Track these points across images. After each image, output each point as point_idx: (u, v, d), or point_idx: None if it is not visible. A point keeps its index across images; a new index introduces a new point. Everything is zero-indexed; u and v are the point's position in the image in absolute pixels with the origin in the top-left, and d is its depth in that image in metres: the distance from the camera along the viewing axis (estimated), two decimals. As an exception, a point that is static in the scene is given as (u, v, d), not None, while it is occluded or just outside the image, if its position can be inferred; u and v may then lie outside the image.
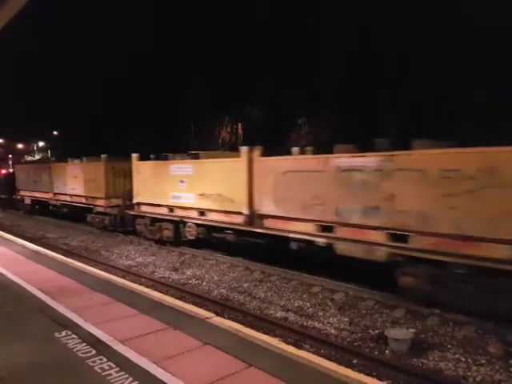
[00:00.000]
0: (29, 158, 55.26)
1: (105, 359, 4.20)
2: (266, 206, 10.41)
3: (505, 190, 6.57)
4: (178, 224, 13.36)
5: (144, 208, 14.83)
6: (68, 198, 19.33)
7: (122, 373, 3.92)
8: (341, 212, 8.78)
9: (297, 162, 9.93)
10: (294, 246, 9.88)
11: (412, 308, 8.12)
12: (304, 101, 25.18)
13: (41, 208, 23.30)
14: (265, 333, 6.24)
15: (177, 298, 7.20)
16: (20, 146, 62.21)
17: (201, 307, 6.93)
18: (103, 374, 3.91)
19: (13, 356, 4.28)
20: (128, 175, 15.85)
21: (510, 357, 6.12)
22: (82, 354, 4.34)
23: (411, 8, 20.12)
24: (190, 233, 12.83)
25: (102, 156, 16.84)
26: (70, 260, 9.75)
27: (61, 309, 5.75)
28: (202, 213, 12.43)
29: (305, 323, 7.69)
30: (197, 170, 12.55)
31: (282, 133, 29.51)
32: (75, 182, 18.51)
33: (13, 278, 7.51)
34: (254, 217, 10.68)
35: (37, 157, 56.51)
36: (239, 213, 10.93)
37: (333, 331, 7.32)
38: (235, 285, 10.15)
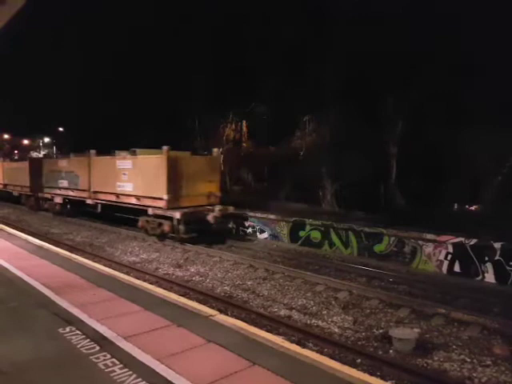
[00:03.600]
0: (34, 154, 55.48)
1: (109, 356, 4.19)
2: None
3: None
4: None
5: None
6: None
7: (126, 369, 3.90)
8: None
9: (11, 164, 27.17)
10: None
11: (417, 308, 8.09)
12: (309, 98, 25.07)
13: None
14: (268, 331, 6.22)
15: (180, 295, 7.19)
16: (26, 141, 62.45)
17: (204, 304, 6.92)
18: (107, 370, 3.89)
19: (17, 351, 4.28)
20: None
21: (516, 358, 6.07)
22: (86, 350, 4.33)
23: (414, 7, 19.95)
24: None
25: None
26: (74, 255, 9.77)
27: (65, 304, 5.74)
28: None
29: (308, 322, 7.67)
30: None
31: (287, 130, 29.38)
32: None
33: (17, 272, 7.51)
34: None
35: (42, 153, 56.72)
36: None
37: (336, 330, 7.29)
38: (239, 282, 10.14)
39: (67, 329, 4.88)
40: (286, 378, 3.82)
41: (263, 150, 30.92)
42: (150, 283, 8.37)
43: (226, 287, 9.75)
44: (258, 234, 16.26)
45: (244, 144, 35.22)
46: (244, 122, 34.58)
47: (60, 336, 4.68)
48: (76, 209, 20.52)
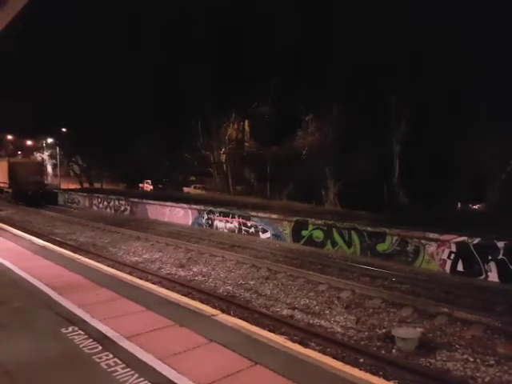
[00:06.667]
0: (37, 155, 55.68)
1: (111, 355, 4.19)
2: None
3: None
4: None
5: None
6: None
7: (128, 369, 3.91)
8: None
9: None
10: None
11: (420, 307, 8.07)
12: (311, 98, 25.03)
13: None
14: (271, 330, 6.21)
15: (183, 295, 7.18)
16: (29, 142, 62.57)
17: (207, 304, 6.92)
18: (109, 370, 3.90)
19: (20, 351, 4.30)
20: None
21: (520, 357, 6.04)
22: (89, 349, 4.34)
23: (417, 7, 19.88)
24: None
25: None
26: (77, 256, 9.78)
27: (68, 304, 5.76)
28: None
29: (311, 321, 7.66)
30: None
31: (289, 130, 29.33)
32: None
33: (21, 273, 7.54)
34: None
35: (45, 153, 56.90)
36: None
37: (339, 330, 7.28)
38: (241, 282, 10.15)
39: (70, 329, 4.89)
40: (288, 378, 3.81)
41: (266, 149, 30.91)
42: (153, 283, 8.37)
43: (228, 287, 9.76)
44: (260, 233, 16.31)
45: (246, 144, 35.22)
46: (246, 122, 34.54)
47: (63, 336, 4.70)
48: None
